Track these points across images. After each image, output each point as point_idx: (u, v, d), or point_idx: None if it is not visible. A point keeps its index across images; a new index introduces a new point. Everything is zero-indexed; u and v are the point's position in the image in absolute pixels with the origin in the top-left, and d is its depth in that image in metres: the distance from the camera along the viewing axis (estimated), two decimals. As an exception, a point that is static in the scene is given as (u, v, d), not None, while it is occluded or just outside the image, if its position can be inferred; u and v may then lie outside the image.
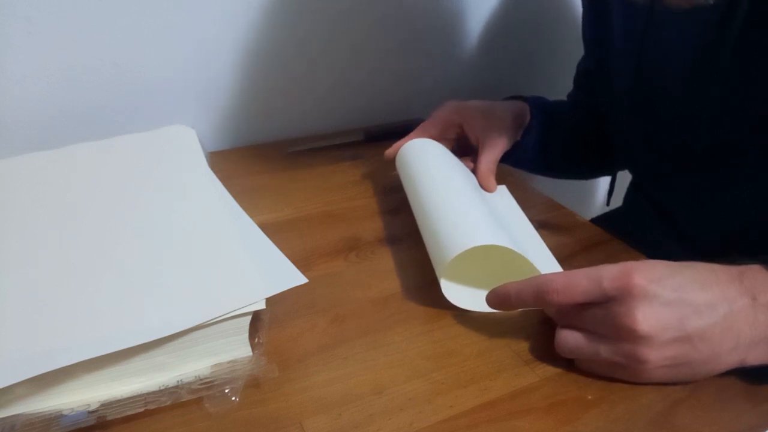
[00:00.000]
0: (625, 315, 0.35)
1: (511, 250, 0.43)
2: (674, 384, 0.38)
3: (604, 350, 0.37)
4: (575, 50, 0.74)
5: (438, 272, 0.45)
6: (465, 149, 0.65)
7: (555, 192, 0.67)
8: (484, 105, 0.65)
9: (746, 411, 0.36)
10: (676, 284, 0.36)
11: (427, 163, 0.58)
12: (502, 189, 0.62)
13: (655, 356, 0.36)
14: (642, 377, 0.37)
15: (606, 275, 0.36)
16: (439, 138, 0.64)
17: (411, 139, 0.63)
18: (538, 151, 0.67)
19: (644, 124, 0.57)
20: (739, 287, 0.36)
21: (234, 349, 0.38)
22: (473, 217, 0.47)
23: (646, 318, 0.35)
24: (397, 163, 0.62)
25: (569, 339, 0.38)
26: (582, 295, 0.37)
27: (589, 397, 0.37)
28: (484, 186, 0.61)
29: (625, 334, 0.36)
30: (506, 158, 0.64)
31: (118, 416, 0.35)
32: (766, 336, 0.36)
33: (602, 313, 0.37)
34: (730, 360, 0.36)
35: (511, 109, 0.65)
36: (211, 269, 0.41)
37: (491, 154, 0.62)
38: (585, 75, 0.73)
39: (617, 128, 0.63)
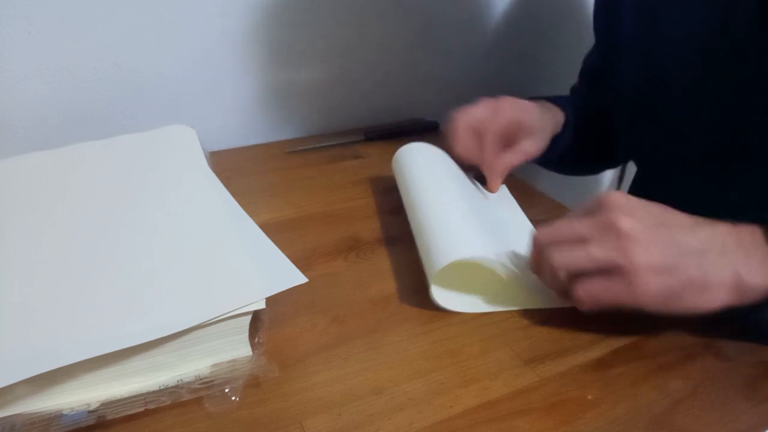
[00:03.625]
0: (606, 216, 0.38)
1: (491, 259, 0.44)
2: (675, 385, 0.38)
3: (596, 250, 0.38)
4: (578, 46, 0.74)
5: (428, 281, 0.45)
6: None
7: (555, 192, 0.67)
8: (539, 112, 0.61)
9: (746, 411, 0.37)
10: (656, 209, 0.39)
11: (418, 170, 0.57)
12: (502, 188, 0.62)
13: (642, 256, 0.36)
14: (639, 288, 0.37)
15: (586, 204, 0.41)
16: (485, 121, 0.60)
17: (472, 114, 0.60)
18: (557, 152, 0.65)
19: (650, 120, 0.57)
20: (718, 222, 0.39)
21: (234, 348, 0.38)
22: (456, 228, 0.47)
23: (627, 217, 0.38)
24: (393, 168, 0.62)
25: (563, 254, 0.40)
26: (567, 222, 0.41)
27: (589, 397, 0.37)
28: (490, 184, 0.60)
29: (609, 232, 0.38)
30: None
31: (118, 416, 0.35)
32: (755, 255, 0.37)
33: (587, 225, 0.39)
34: (723, 266, 0.36)
35: (553, 119, 0.63)
36: (211, 269, 0.41)
37: (515, 157, 0.59)
38: (593, 69, 0.72)
39: (623, 123, 0.62)
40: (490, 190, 0.61)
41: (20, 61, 0.63)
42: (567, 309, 0.45)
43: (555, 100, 0.66)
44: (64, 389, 0.35)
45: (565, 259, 0.40)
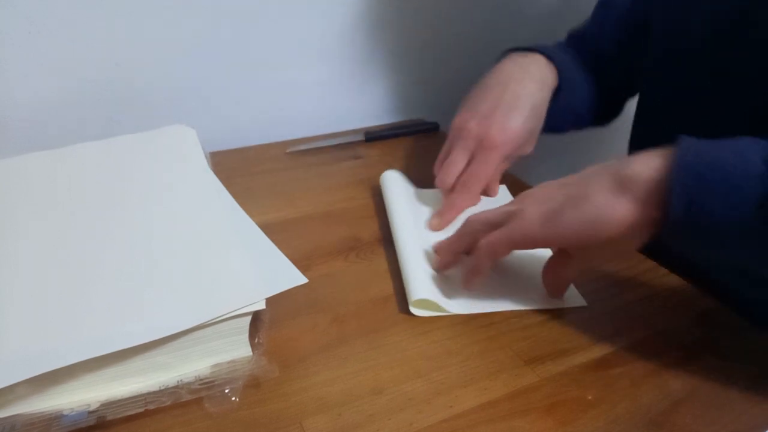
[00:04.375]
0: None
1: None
2: (669, 388, 0.38)
3: (497, 215, 0.43)
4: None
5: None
6: None
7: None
8: (533, 122, 0.57)
9: (746, 411, 0.37)
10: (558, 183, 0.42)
11: (389, 205, 0.57)
12: (502, 189, 0.62)
13: (528, 200, 0.42)
14: (523, 219, 0.40)
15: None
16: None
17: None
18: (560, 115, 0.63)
19: (676, 90, 0.55)
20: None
21: (234, 349, 0.38)
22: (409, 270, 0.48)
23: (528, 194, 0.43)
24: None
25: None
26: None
27: (589, 398, 0.37)
28: (488, 191, 0.60)
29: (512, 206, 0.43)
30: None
31: (119, 416, 0.35)
32: (639, 157, 0.37)
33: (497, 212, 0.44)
34: (599, 175, 0.38)
35: (549, 90, 0.59)
36: (211, 269, 0.41)
37: (505, 164, 0.58)
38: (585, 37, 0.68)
39: (648, 91, 0.60)
40: (491, 195, 0.61)
41: (20, 60, 0.63)
42: (567, 309, 0.45)
43: (547, 51, 0.61)
44: (65, 389, 0.35)
45: (475, 220, 0.45)
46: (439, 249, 0.49)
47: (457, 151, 0.55)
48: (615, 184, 0.37)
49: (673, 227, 0.35)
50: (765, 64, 0.47)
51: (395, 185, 0.60)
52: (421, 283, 0.46)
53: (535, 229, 0.40)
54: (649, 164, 0.36)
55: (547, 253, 0.49)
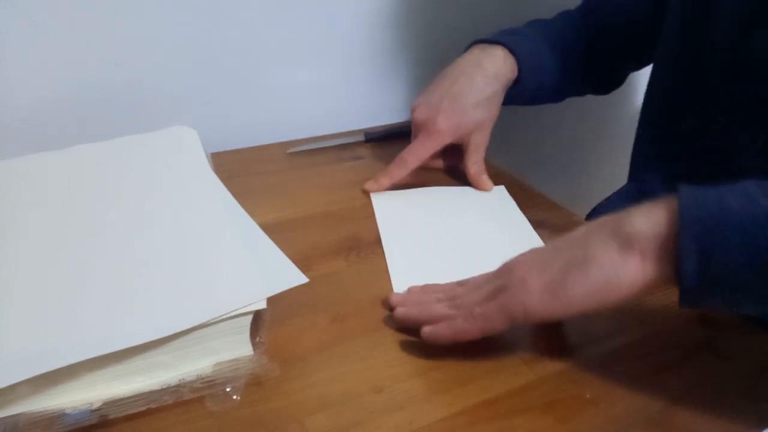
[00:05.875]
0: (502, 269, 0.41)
1: None
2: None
3: (488, 287, 0.40)
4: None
5: None
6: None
7: (555, 192, 0.67)
8: (479, 113, 0.61)
9: (745, 410, 0.37)
10: (548, 249, 0.40)
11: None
12: (501, 189, 0.63)
13: (521, 270, 0.38)
14: (524, 291, 0.36)
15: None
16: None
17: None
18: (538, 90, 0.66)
19: (690, 79, 0.55)
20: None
21: (235, 348, 0.39)
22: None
23: (516, 261, 0.40)
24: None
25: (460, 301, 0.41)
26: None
27: (588, 396, 0.37)
28: (478, 187, 0.62)
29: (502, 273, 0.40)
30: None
31: (121, 415, 0.35)
32: (636, 210, 0.35)
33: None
34: (600, 239, 0.35)
35: (500, 84, 0.62)
36: (212, 269, 0.41)
37: (476, 154, 0.63)
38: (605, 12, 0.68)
39: (660, 80, 0.60)
40: (483, 189, 0.62)
41: (21, 61, 0.63)
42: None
43: (509, 43, 0.63)
44: (67, 388, 0.35)
45: (466, 298, 0.40)
46: (402, 300, 0.44)
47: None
48: (620, 242, 0.34)
49: (690, 285, 0.32)
50: None
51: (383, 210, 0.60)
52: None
53: (535, 303, 0.36)
54: (652, 219, 0.33)
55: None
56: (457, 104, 0.60)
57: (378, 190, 0.62)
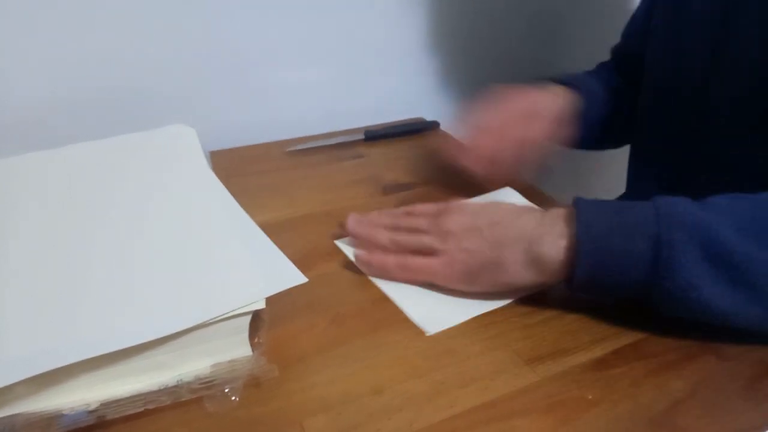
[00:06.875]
0: (443, 216, 0.47)
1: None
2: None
3: (426, 239, 0.47)
4: (579, 47, 0.74)
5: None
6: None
7: (554, 191, 0.67)
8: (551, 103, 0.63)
9: (746, 411, 0.36)
10: (490, 208, 0.47)
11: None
12: (509, 191, 0.62)
13: (452, 243, 0.45)
14: (446, 267, 0.45)
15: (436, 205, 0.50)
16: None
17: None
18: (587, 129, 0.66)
19: (674, 95, 0.58)
20: (533, 210, 0.46)
21: (234, 348, 0.38)
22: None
23: (456, 216, 0.47)
24: None
25: (401, 237, 0.48)
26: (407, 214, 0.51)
27: (590, 397, 0.37)
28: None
29: (440, 227, 0.47)
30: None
31: (118, 416, 0.35)
32: (550, 232, 0.42)
33: (427, 220, 0.48)
34: (516, 246, 0.43)
35: (567, 102, 0.64)
36: (211, 269, 0.41)
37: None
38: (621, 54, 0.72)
39: (649, 103, 0.62)
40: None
41: (20, 60, 0.63)
42: (567, 309, 0.45)
43: (566, 81, 0.65)
44: (64, 389, 0.35)
45: (406, 240, 0.48)
46: (359, 222, 0.51)
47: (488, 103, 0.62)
48: (527, 259, 0.42)
49: (575, 290, 0.42)
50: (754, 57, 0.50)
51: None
52: (429, 309, 0.45)
53: (453, 281, 0.45)
54: (558, 245, 0.42)
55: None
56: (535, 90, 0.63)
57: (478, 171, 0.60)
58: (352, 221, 0.52)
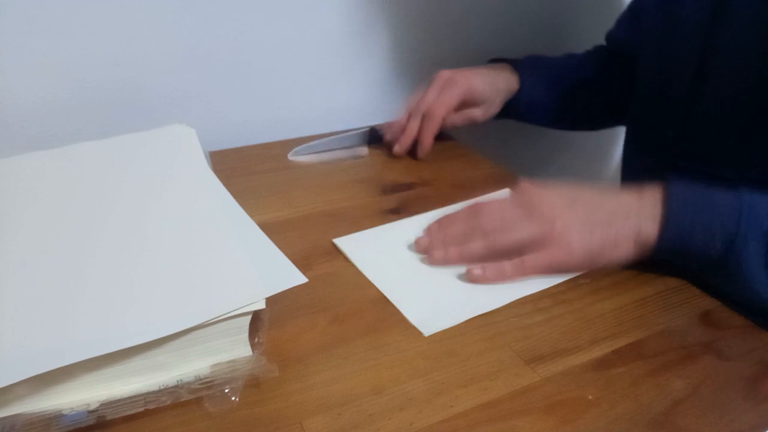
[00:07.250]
0: (528, 200, 0.49)
1: None
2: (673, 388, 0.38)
3: (528, 227, 0.47)
4: (576, 49, 0.74)
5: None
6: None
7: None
8: (489, 80, 0.70)
9: (746, 411, 0.36)
10: (566, 189, 0.49)
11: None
12: (509, 191, 0.62)
13: (565, 224, 0.46)
14: (569, 247, 0.46)
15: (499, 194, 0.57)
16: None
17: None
18: (537, 108, 0.73)
19: (665, 91, 0.60)
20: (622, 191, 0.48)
21: (234, 348, 0.38)
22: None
23: (545, 197, 0.48)
24: None
25: (497, 237, 0.48)
26: (483, 210, 0.51)
27: (590, 397, 0.37)
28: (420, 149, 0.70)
29: (533, 212, 0.48)
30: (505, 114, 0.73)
31: (118, 416, 0.35)
32: (650, 213, 0.45)
33: (511, 210, 0.49)
34: (628, 228, 0.45)
35: (506, 83, 0.71)
36: (211, 269, 0.41)
37: (458, 117, 0.69)
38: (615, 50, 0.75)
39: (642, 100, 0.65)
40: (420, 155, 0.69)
41: (20, 60, 0.63)
42: (567, 309, 0.45)
43: (516, 63, 0.72)
44: (64, 389, 0.35)
45: (504, 240, 0.47)
46: (431, 244, 0.50)
47: (431, 87, 0.69)
48: (637, 242, 0.46)
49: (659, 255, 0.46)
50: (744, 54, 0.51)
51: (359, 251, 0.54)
52: (427, 310, 0.45)
53: (574, 265, 0.47)
54: (653, 225, 0.45)
55: None
56: (476, 74, 0.69)
57: (402, 151, 0.69)
58: (439, 255, 0.49)
